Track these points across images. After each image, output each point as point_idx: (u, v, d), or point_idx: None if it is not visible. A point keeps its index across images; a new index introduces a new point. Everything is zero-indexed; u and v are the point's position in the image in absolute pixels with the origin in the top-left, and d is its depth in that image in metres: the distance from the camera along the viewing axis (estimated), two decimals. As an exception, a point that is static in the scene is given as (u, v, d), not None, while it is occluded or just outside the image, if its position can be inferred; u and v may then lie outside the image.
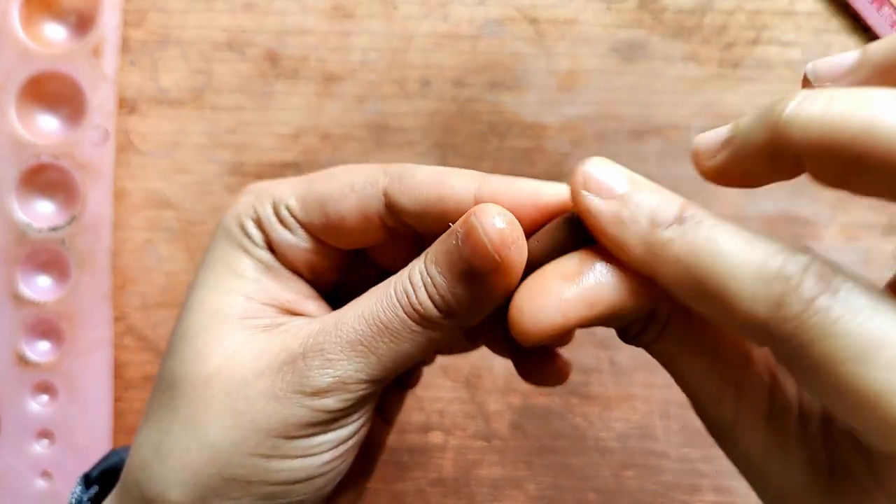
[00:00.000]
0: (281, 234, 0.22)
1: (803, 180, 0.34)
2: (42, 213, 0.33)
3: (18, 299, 0.32)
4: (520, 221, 0.19)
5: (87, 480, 0.26)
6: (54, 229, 0.32)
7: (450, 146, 0.34)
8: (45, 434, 0.33)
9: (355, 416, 0.21)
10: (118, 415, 0.34)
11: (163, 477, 0.20)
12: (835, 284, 0.15)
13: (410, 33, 0.34)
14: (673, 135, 0.34)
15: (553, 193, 0.19)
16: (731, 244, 0.16)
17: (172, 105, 0.34)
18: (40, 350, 0.33)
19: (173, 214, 0.34)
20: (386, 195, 0.21)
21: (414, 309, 0.19)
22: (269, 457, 0.20)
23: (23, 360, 0.32)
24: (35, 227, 0.32)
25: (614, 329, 0.20)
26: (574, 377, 0.34)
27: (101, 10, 0.32)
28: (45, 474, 0.33)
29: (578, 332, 0.33)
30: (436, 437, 0.34)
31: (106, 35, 0.32)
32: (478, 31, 0.34)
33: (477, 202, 0.19)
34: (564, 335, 0.22)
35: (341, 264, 0.23)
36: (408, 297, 0.19)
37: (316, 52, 0.34)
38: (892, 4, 0.33)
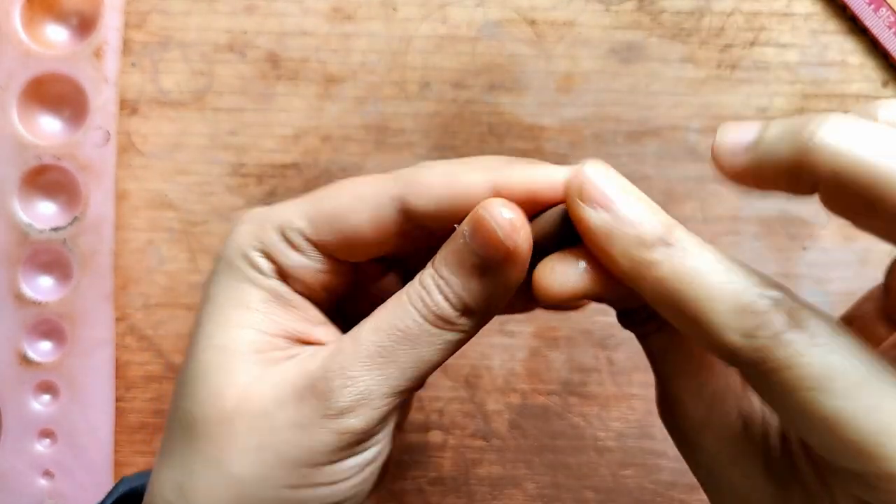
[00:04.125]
0: (293, 259, 0.21)
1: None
2: (44, 213, 0.33)
3: (20, 299, 0.32)
4: (524, 209, 0.19)
5: None
6: (56, 230, 0.32)
7: (449, 147, 0.34)
8: (46, 433, 0.33)
9: (380, 436, 0.21)
10: (119, 414, 0.34)
11: None
12: (801, 320, 0.16)
13: (410, 35, 0.34)
14: (671, 136, 0.34)
15: (551, 186, 0.20)
16: (712, 275, 0.17)
17: (174, 107, 0.34)
18: (42, 350, 0.33)
19: (175, 215, 0.34)
20: (399, 201, 0.20)
21: (430, 311, 0.19)
22: (297, 487, 0.20)
23: (25, 360, 0.33)
24: (37, 227, 0.32)
25: (615, 311, 0.21)
26: (572, 377, 0.34)
27: (102, 12, 0.32)
28: (47, 473, 0.33)
29: (576, 333, 0.34)
30: (435, 437, 0.34)
31: (107, 37, 0.33)
32: (477, 32, 0.34)
33: (493, 194, 0.20)
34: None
35: (355, 277, 0.23)
36: (422, 300, 0.20)
37: (316, 54, 0.34)
38: (889, 6, 0.33)
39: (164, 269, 0.34)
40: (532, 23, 0.34)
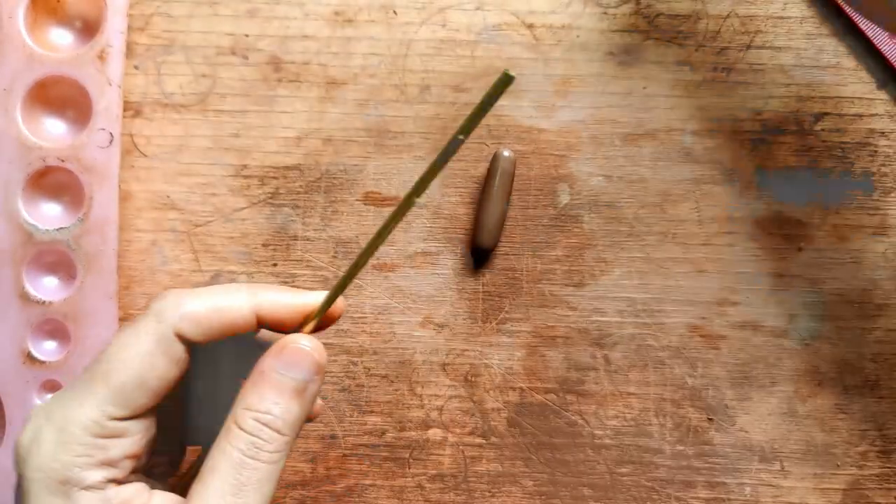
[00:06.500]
0: (118, 448, 0.23)
1: (796, 182, 0.35)
2: (49, 214, 0.33)
3: (25, 299, 0.33)
4: (288, 324, 0.24)
5: None
6: (60, 230, 0.33)
7: (449, 149, 0.34)
8: (51, 431, 0.33)
9: None
10: (123, 413, 0.34)
11: None
12: None
13: (410, 39, 0.34)
14: (666, 138, 0.34)
15: (294, 311, 0.24)
16: None
17: (177, 109, 0.34)
18: (47, 349, 0.33)
19: (178, 216, 0.34)
20: (173, 339, 0.23)
21: (266, 451, 0.22)
22: None
23: (29, 359, 0.33)
24: (42, 228, 0.33)
25: None
26: (570, 375, 0.34)
27: (106, 15, 0.33)
28: (51, 471, 0.33)
29: (573, 332, 0.34)
30: (435, 434, 0.34)
31: (111, 40, 0.33)
32: (476, 36, 0.34)
33: (256, 316, 0.24)
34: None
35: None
36: (255, 445, 0.22)
37: (318, 58, 0.34)
38: (882, 9, 0.33)
39: (168, 269, 0.34)
40: (530, 27, 0.34)
